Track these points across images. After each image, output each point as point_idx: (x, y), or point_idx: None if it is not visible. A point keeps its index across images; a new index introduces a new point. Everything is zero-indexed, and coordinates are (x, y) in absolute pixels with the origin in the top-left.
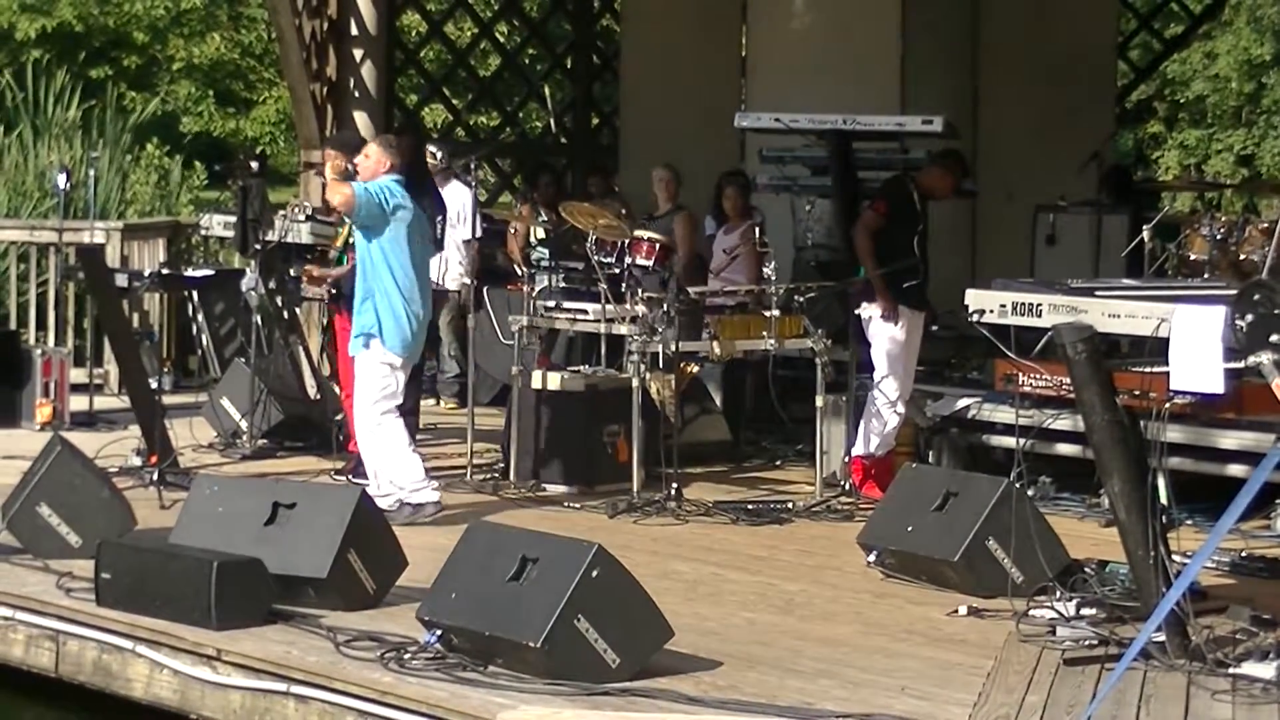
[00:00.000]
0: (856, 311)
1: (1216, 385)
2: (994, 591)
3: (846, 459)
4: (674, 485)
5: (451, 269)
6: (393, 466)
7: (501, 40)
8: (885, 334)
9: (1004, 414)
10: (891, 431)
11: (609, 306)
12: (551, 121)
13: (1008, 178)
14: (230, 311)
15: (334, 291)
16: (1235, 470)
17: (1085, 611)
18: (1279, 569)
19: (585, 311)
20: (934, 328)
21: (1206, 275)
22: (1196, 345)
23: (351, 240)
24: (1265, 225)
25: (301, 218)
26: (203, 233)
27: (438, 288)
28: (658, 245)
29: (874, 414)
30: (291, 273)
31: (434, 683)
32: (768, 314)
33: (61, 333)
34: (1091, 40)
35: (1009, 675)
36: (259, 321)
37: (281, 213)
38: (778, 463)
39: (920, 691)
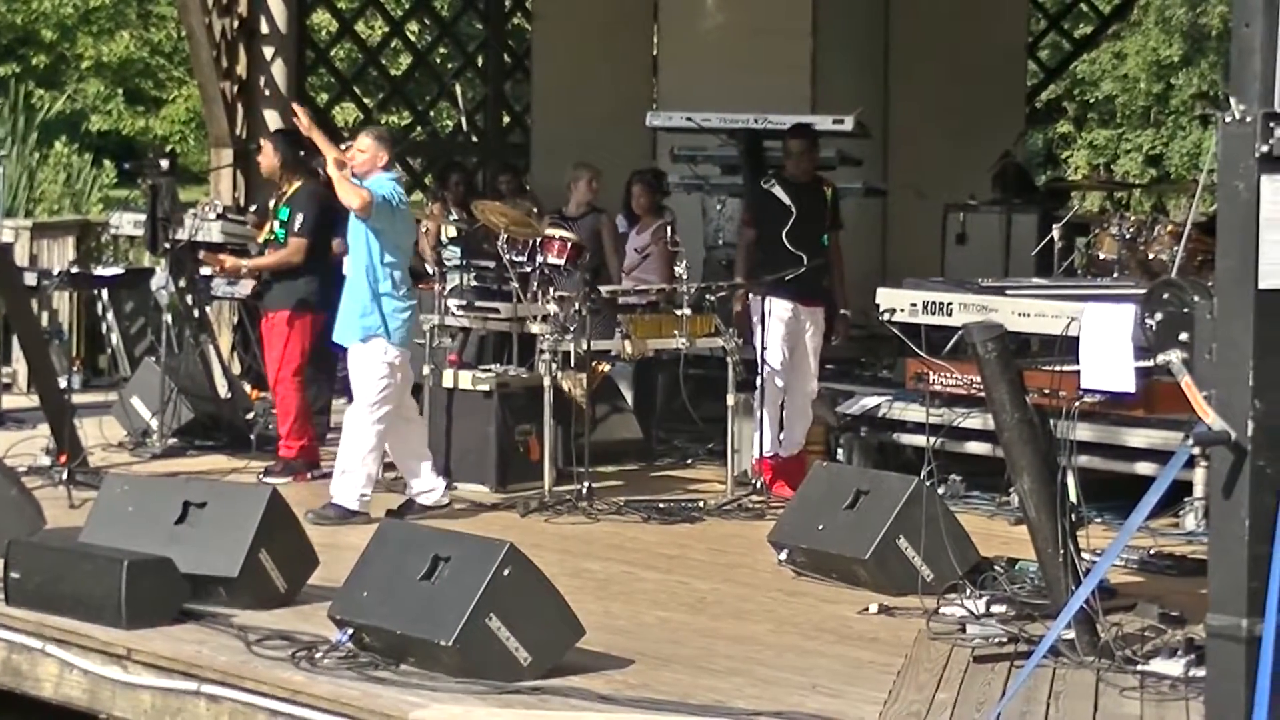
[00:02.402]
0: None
1: (1128, 384)
2: (904, 589)
3: (757, 458)
4: (586, 484)
5: None
6: (361, 467)
7: (412, 39)
8: (770, 325)
9: (914, 412)
10: (795, 428)
11: (520, 305)
12: (463, 120)
13: (918, 176)
14: (140, 310)
15: (258, 290)
16: (1144, 468)
17: (995, 609)
18: (1187, 567)
19: (497, 310)
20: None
21: (1116, 274)
22: (1106, 344)
23: (272, 237)
24: (1174, 225)
25: (212, 216)
26: (112, 231)
27: None
28: (569, 244)
29: (764, 406)
30: (203, 271)
31: (345, 682)
32: (679, 313)
33: None
34: (1001, 40)
35: (919, 673)
36: (169, 320)
37: (192, 211)
38: (689, 461)
39: (831, 689)
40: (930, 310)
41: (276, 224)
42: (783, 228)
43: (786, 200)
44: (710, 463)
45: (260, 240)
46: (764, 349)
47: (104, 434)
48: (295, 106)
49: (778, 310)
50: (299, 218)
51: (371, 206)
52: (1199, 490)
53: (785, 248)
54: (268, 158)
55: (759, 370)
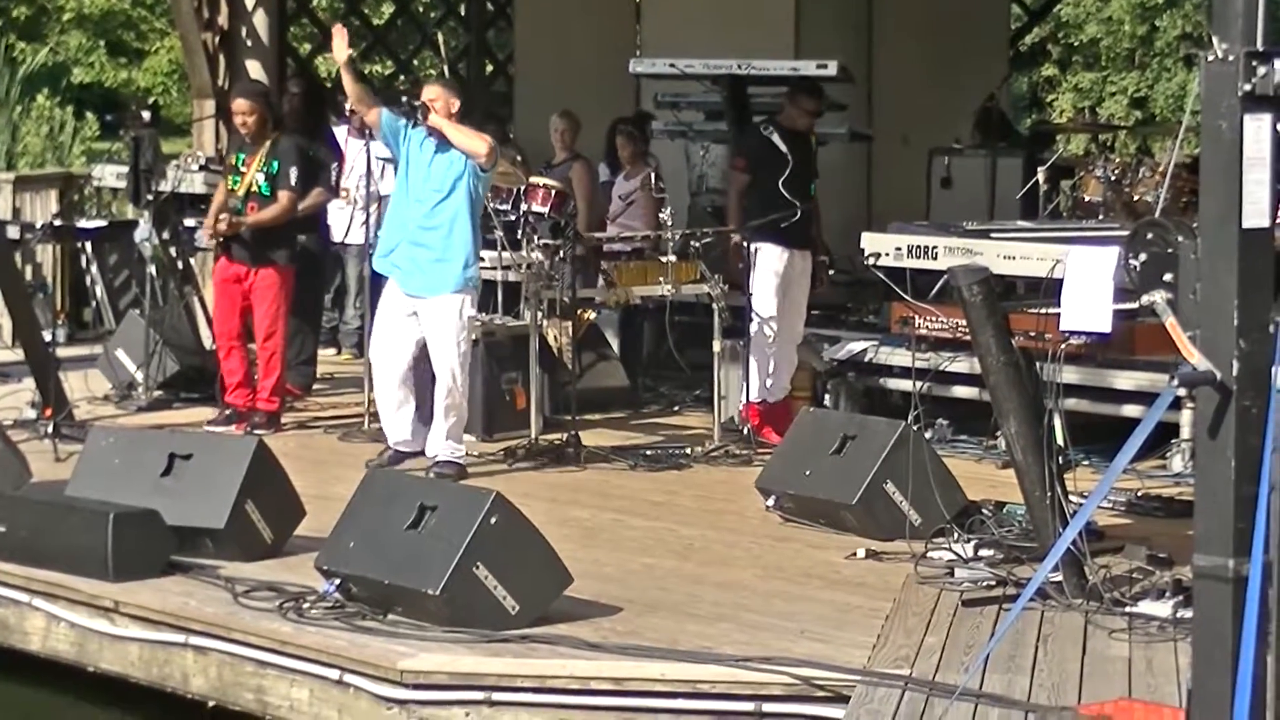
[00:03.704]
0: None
1: (1104, 325)
2: (892, 534)
3: (745, 404)
4: (572, 432)
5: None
6: (459, 423)
7: None
8: (763, 271)
9: (901, 357)
10: (782, 373)
11: (505, 254)
12: (445, 69)
13: (903, 121)
14: (124, 263)
15: (223, 240)
16: (1130, 410)
17: (983, 553)
18: (1174, 508)
19: (481, 259)
20: (830, 271)
21: (1101, 216)
22: (1090, 286)
23: (254, 189)
24: (1160, 166)
25: (194, 167)
26: (95, 184)
27: (342, 241)
28: (553, 192)
29: (754, 352)
30: (186, 222)
31: (333, 632)
32: (664, 260)
33: None
34: None
35: (908, 617)
36: (153, 272)
37: (174, 163)
38: (676, 408)
39: (819, 634)
40: (915, 254)
41: (261, 178)
42: (779, 176)
43: (784, 148)
44: (697, 409)
45: (240, 194)
46: (754, 295)
47: (89, 387)
48: (338, 29)
49: (772, 256)
50: (291, 172)
51: (495, 152)
52: (1185, 432)
53: (782, 195)
54: (257, 117)
55: (748, 316)
